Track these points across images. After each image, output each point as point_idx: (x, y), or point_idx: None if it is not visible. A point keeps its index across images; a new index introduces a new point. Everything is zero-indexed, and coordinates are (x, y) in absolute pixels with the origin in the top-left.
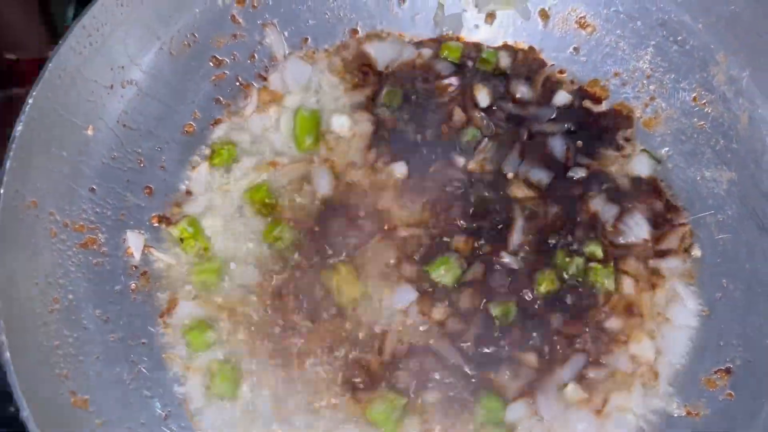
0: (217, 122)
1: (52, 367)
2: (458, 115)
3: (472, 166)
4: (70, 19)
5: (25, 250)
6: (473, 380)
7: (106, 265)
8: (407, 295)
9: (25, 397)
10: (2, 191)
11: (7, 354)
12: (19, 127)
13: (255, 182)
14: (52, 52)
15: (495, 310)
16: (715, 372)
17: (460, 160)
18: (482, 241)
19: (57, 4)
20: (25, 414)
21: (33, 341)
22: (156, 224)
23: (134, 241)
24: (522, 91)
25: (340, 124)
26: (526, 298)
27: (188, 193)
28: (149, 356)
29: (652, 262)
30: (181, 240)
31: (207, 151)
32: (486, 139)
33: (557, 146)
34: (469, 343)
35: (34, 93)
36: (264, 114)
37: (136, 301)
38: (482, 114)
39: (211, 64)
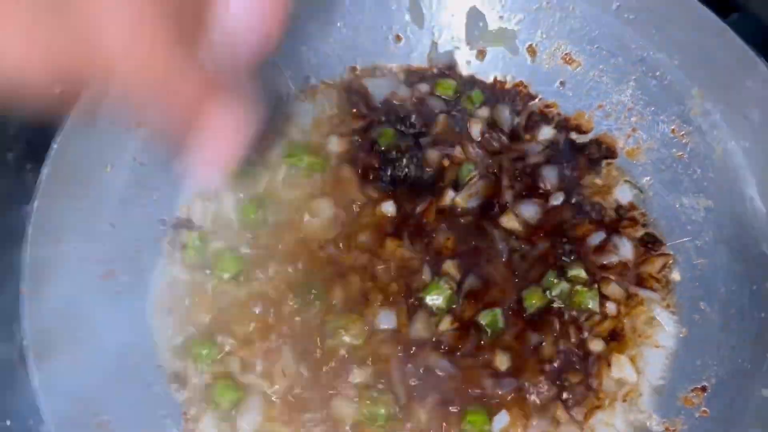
0: None
1: (77, 390)
2: (458, 151)
3: (459, 199)
4: None
5: (53, 284)
6: (460, 391)
7: (125, 293)
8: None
9: (53, 421)
10: (31, 230)
11: (37, 380)
12: (45, 171)
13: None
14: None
15: (484, 320)
16: (692, 390)
17: (450, 195)
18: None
19: None
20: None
21: (58, 366)
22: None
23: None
24: (509, 124)
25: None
26: (512, 312)
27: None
28: (163, 379)
29: (633, 288)
30: (184, 246)
31: None
32: (478, 174)
33: (550, 175)
34: (458, 354)
35: (58, 139)
36: None
37: (150, 327)
38: (478, 150)
39: None
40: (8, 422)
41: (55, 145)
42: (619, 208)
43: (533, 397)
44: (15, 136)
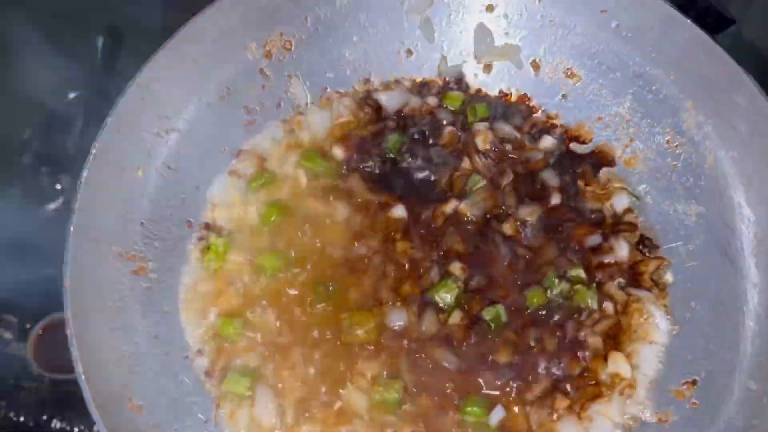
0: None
1: (114, 377)
2: (465, 163)
3: (464, 207)
4: (100, 49)
5: (91, 280)
6: (462, 383)
7: (154, 288)
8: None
9: (94, 405)
10: (72, 229)
11: (80, 366)
12: (84, 173)
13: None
14: (112, 108)
15: (488, 315)
16: (683, 384)
17: (454, 203)
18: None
19: (81, 36)
20: (95, 417)
21: (99, 356)
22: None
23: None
24: (513, 135)
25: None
26: (516, 308)
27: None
28: (190, 369)
29: (629, 289)
30: (208, 248)
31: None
32: (484, 185)
33: (550, 177)
34: (462, 348)
35: (96, 144)
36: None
37: (179, 320)
38: (485, 160)
39: (242, 112)
40: (22, 418)
41: (93, 150)
42: (616, 213)
43: (532, 388)
44: (28, 140)
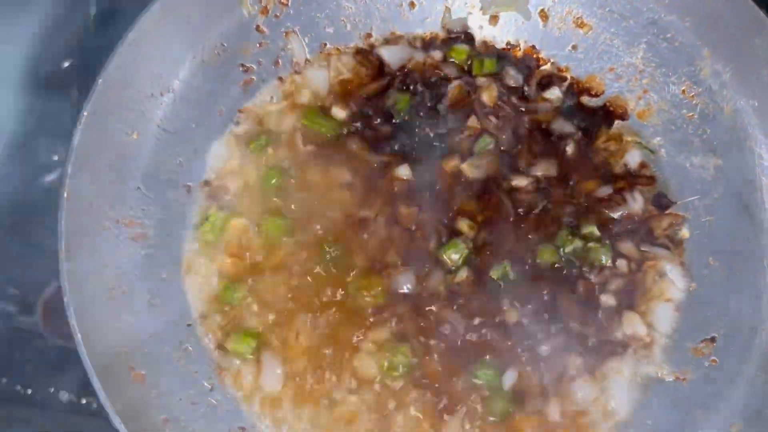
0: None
1: (114, 345)
2: (472, 121)
3: (465, 167)
4: (93, 16)
5: (87, 246)
6: (473, 346)
7: (154, 255)
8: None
9: (94, 372)
10: (65, 195)
11: (79, 335)
12: (76, 137)
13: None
14: (102, 67)
15: (494, 274)
16: (701, 341)
17: (455, 161)
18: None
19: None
20: (95, 385)
21: (98, 324)
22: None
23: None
24: (521, 89)
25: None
26: (525, 265)
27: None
28: (194, 336)
29: (644, 246)
30: (206, 219)
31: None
32: (494, 142)
33: (563, 125)
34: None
35: (87, 106)
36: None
37: (180, 287)
38: (495, 120)
39: (239, 70)
40: (29, 391)
41: (84, 113)
42: (629, 168)
43: (545, 347)
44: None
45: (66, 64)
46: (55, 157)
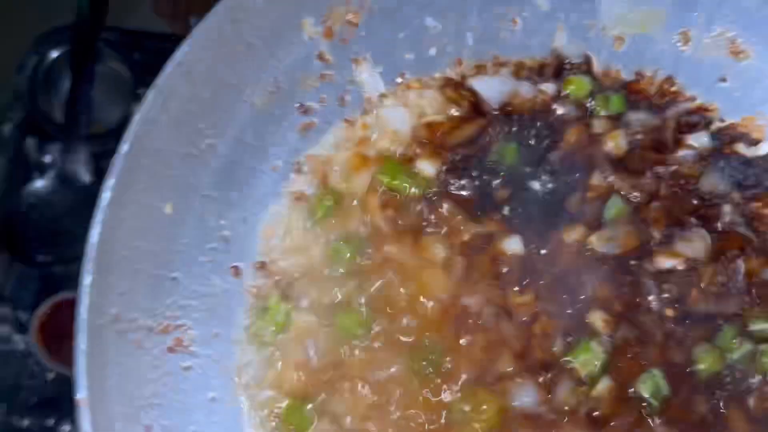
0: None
1: None
2: (596, 179)
3: (594, 239)
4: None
5: (113, 373)
6: None
7: (197, 368)
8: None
9: None
10: (83, 312)
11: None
12: (96, 231)
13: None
14: (126, 128)
15: (644, 388)
16: None
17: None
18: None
19: None
20: None
21: None
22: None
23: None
24: (656, 135)
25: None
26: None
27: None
28: None
29: None
30: (264, 310)
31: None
32: (630, 208)
33: (717, 184)
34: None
35: (108, 183)
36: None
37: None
38: (628, 178)
39: (297, 112)
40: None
41: (105, 194)
42: None
43: None
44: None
45: (54, 55)
46: (47, 159)
